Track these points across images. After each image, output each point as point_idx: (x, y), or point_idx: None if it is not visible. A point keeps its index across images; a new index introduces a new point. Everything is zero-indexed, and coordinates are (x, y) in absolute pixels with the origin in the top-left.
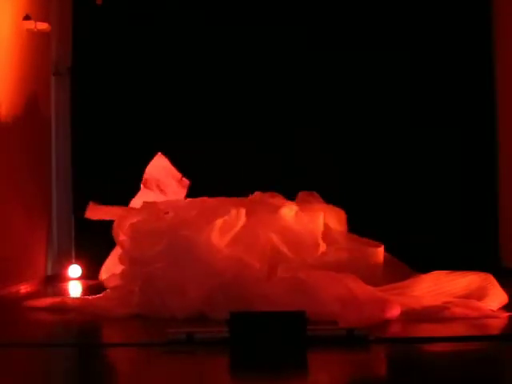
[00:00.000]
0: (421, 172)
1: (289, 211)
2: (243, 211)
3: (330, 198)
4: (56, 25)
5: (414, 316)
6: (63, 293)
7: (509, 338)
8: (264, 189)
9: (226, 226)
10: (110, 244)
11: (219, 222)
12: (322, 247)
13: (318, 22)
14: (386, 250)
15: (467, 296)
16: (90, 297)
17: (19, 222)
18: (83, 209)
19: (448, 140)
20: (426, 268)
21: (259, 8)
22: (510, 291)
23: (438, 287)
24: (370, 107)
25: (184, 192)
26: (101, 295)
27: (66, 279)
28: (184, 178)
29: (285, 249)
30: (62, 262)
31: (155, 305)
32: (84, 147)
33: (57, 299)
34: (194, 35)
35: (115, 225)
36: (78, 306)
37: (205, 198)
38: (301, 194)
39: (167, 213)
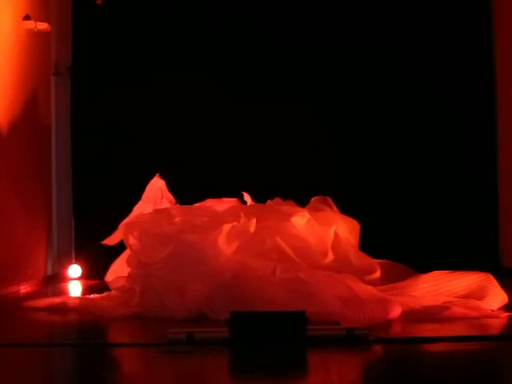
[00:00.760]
0: (421, 172)
1: (300, 219)
2: (254, 220)
3: (331, 197)
4: (56, 25)
5: (414, 316)
6: (63, 293)
7: (509, 338)
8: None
9: (235, 232)
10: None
11: (227, 226)
12: (330, 257)
13: (315, 21)
14: (386, 250)
15: (467, 296)
16: (90, 297)
17: (19, 222)
18: (83, 209)
19: (448, 140)
20: (426, 268)
21: (260, 8)
22: (510, 291)
23: (438, 287)
24: (369, 106)
25: None
26: (101, 295)
27: (66, 279)
28: (176, 203)
29: (291, 254)
30: (62, 262)
31: (155, 305)
32: (84, 147)
33: (57, 299)
34: (194, 35)
35: (125, 228)
36: (78, 306)
37: (217, 203)
38: (313, 200)
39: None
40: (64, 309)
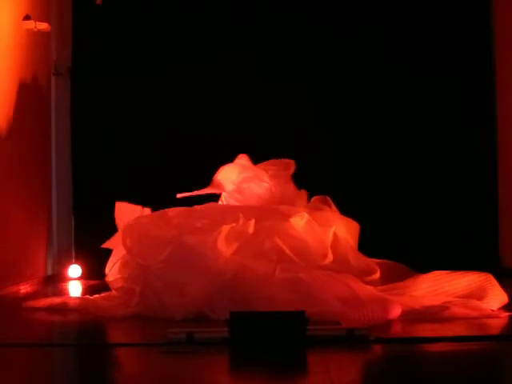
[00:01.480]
0: (421, 172)
1: (299, 220)
2: (252, 221)
3: (331, 197)
4: (56, 25)
5: (414, 316)
6: (63, 293)
7: (509, 338)
8: None
9: (234, 233)
10: None
11: (225, 228)
12: (330, 258)
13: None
14: (385, 250)
15: (467, 296)
16: (90, 297)
17: (19, 221)
18: (83, 209)
19: (449, 140)
20: (426, 268)
21: (260, 7)
22: (510, 291)
23: (438, 287)
24: (369, 106)
25: None
26: (101, 295)
27: (66, 279)
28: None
29: (291, 254)
30: (62, 261)
31: (155, 305)
32: (84, 147)
33: (57, 299)
34: (194, 35)
35: (124, 231)
36: (78, 306)
37: (216, 205)
38: (313, 200)
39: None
40: (64, 309)
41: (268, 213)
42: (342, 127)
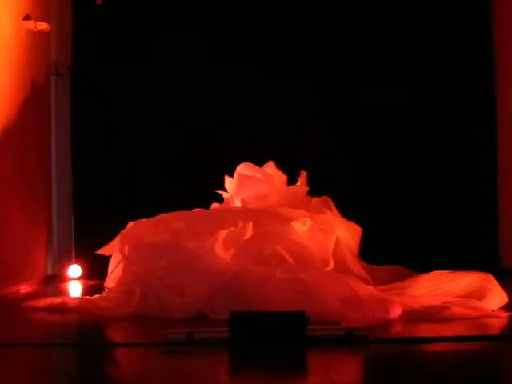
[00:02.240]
0: (421, 173)
1: (301, 225)
2: (250, 224)
3: (331, 197)
4: (56, 25)
5: (414, 316)
6: (63, 293)
7: (509, 338)
8: None
9: (232, 237)
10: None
11: (223, 233)
12: (331, 265)
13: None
14: (386, 250)
15: (467, 296)
16: (90, 297)
17: (19, 222)
18: (83, 209)
19: (448, 141)
20: (426, 268)
21: (262, 7)
22: (510, 291)
23: (438, 287)
24: (369, 110)
25: None
26: (101, 295)
27: (66, 279)
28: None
29: (291, 261)
30: (62, 261)
31: (155, 305)
32: (84, 147)
33: (57, 299)
34: (194, 35)
35: (121, 238)
36: (78, 306)
37: (217, 208)
38: (314, 202)
39: None
40: (64, 309)
41: (269, 216)
42: (342, 129)
